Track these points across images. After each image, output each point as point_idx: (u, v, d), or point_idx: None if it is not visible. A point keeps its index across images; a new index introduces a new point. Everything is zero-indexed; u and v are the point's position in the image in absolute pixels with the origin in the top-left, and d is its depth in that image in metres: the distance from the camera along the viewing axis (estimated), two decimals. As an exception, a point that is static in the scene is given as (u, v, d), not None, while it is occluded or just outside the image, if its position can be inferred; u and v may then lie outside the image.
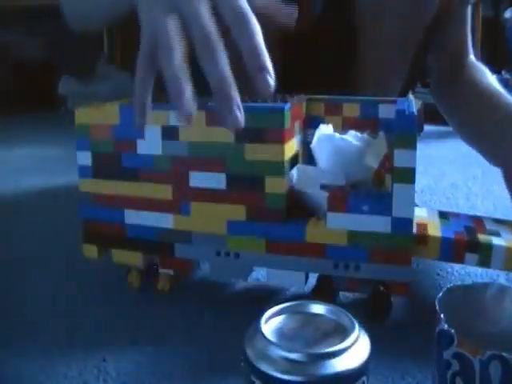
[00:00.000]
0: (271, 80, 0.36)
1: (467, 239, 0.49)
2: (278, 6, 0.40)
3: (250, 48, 0.36)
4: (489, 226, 0.53)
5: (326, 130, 0.54)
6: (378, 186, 0.52)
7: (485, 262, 0.49)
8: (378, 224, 0.48)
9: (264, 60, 0.36)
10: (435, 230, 0.51)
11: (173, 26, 0.38)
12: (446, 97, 0.77)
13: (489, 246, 0.48)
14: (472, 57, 0.78)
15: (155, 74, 0.40)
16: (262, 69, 0.36)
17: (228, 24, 0.37)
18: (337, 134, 0.53)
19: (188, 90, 0.37)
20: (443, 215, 0.56)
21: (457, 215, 0.57)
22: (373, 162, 0.52)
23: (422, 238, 0.49)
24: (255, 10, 0.37)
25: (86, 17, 0.71)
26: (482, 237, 0.50)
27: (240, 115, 0.37)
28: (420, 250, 0.49)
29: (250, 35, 0.36)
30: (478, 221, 0.54)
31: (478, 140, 0.67)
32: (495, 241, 0.49)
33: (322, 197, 0.50)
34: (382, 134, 0.54)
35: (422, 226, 0.51)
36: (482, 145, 0.66)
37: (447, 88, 0.76)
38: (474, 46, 0.80)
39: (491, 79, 0.72)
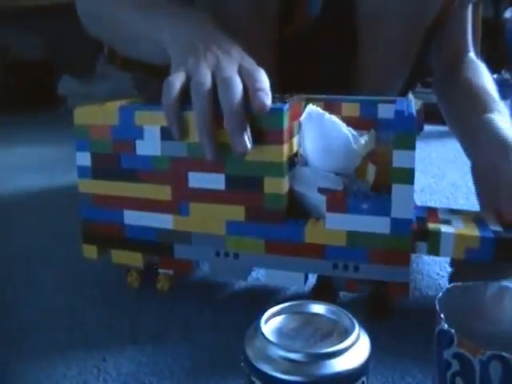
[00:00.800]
0: (268, 100, 0.46)
1: (417, 229, 0.49)
2: None
3: (255, 90, 0.47)
4: (441, 215, 0.53)
5: (315, 108, 0.53)
6: (360, 176, 0.52)
7: (434, 250, 0.49)
8: (377, 225, 0.47)
9: (266, 99, 0.46)
10: None
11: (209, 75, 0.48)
12: (445, 95, 0.77)
13: (437, 234, 0.49)
14: (470, 54, 0.78)
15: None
16: (264, 104, 0.46)
17: (244, 77, 0.48)
18: (327, 114, 0.52)
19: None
20: None
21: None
22: (358, 155, 0.51)
23: None
24: None
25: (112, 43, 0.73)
26: (431, 225, 0.50)
27: (248, 142, 0.46)
28: None
29: (258, 81, 0.47)
30: (432, 211, 0.54)
31: (461, 137, 0.68)
32: (444, 228, 0.49)
33: (320, 199, 0.50)
34: (372, 132, 0.53)
35: None
36: (462, 142, 0.67)
37: (446, 87, 0.77)
38: (474, 44, 0.80)
39: (485, 78, 0.72)
